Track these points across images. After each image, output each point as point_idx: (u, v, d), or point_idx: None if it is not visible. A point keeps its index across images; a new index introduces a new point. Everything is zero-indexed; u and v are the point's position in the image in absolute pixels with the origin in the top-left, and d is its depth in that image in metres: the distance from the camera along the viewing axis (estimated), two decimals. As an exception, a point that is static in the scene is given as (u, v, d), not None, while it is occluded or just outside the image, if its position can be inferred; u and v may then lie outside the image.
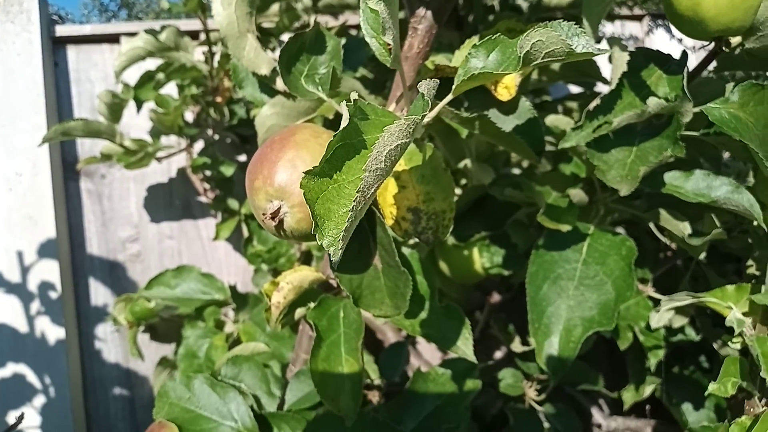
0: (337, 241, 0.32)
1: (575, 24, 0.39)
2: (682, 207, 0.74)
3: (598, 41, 1.31)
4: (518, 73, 0.50)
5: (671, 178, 0.71)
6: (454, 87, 0.41)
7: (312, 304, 0.62)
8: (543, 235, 0.67)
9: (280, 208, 0.46)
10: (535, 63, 0.39)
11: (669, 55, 0.69)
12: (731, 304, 0.79)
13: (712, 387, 0.81)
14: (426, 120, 0.42)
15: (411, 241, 0.68)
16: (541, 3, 1.18)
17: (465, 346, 0.57)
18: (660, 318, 0.83)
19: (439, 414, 0.66)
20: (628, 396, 1.05)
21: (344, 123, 0.35)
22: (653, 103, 0.58)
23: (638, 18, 1.95)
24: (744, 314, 0.79)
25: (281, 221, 0.47)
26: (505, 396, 0.83)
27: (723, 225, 0.77)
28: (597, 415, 1.05)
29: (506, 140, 0.53)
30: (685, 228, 0.72)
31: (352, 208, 0.31)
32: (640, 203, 0.79)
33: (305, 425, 0.62)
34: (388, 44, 0.40)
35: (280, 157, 0.47)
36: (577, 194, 0.67)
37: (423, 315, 0.59)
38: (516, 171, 1.05)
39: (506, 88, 0.51)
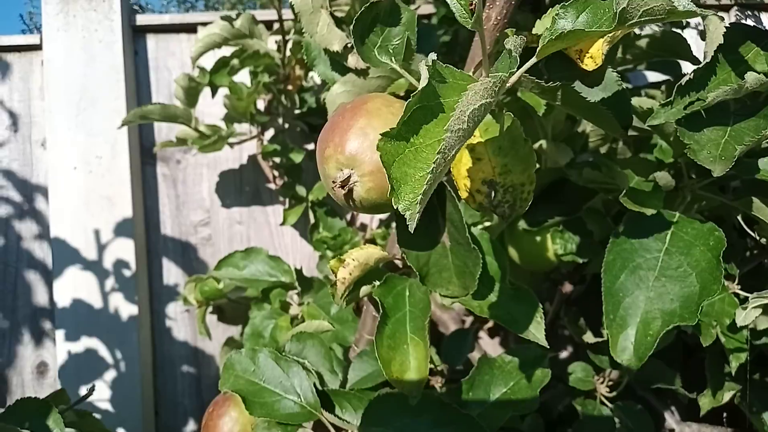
0: (414, 205, 0.31)
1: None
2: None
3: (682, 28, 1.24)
4: (606, 41, 0.47)
5: (766, 164, 0.66)
6: (539, 49, 0.39)
7: (377, 283, 0.61)
8: (623, 222, 0.63)
9: (350, 177, 0.46)
10: (632, 22, 0.36)
11: (767, 30, 0.64)
12: (828, 306, 0.73)
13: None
14: (512, 81, 0.40)
15: (485, 219, 0.66)
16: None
17: (537, 331, 0.55)
18: (747, 316, 0.78)
19: (505, 402, 0.64)
20: (705, 401, 0.99)
21: (422, 84, 0.33)
22: (752, 79, 0.54)
23: (726, 8, 1.84)
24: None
25: (351, 190, 0.46)
26: (574, 391, 0.79)
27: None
28: (670, 419, 1.00)
29: (591, 112, 0.50)
30: (780, 219, 0.66)
31: (432, 170, 0.30)
32: (731, 191, 0.74)
33: (367, 404, 0.61)
34: (471, 2, 0.39)
35: (351, 125, 0.46)
36: (663, 177, 0.63)
37: (492, 297, 0.57)
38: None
39: (591, 57, 0.48)
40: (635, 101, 0.75)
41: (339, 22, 1.37)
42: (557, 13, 0.39)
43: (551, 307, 0.87)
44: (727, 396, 1.00)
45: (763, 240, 0.81)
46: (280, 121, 1.50)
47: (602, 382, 0.78)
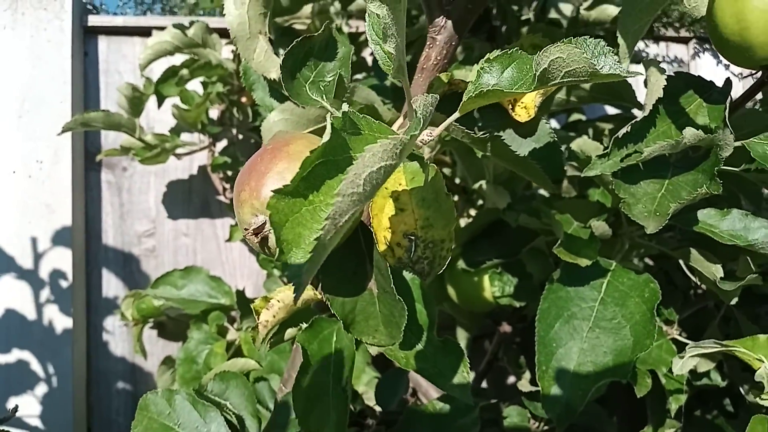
0: (302, 273, 0.28)
1: (604, 42, 0.35)
2: (715, 246, 0.68)
3: (638, 62, 1.25)
4: (539, 94, 0.45)
5: (705, 216, 0.65)
6: (461, 104, 0.37)
7: (303, 325, 0.58)
8: (560, 268, 0.62)
9: (264, 224, 0.43)
10: (553, 82, 0.34)
11: (711, 81, 0.64)
12: (762, 357, 0.73)
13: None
14: (427, 139, 0.38)
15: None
16: (579, 17, 1.13)
17: (461, 386, 0.53)
18: (684, 365, 0.77)
19: (433, 452, 0.62)
20: (647, 437, 0.99)
21: (327, 137, 0.31)
22: (690, 134, 0.53)
23: (684, 41, 1.88)
24: (777, 368, 0.73)
25: (265, 238, 0.43)
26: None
27: (759, 268, 0.71)
28: (610, 459, 0.99)
29: (520, 165, 0.48)
30: (717, 271, 0.66)
31: (319, 237, 0.27)
32: (669, 239, 0.73)
33: (287, 454, 0.58)
34: (391, 53, 0.36)
35: (269, 169, 0.43)
36: (600, 227, 0.62)
37: (419, 347, 0.55)
38: (543, 192, 1.00)
39: (525, 108, 0.46)
40: (579, 143, 0.74)
41: (297, 35, 1.34)
42: (482, 66, 0.37)
43: (491, 346, 0.85)
44: (667, 433, 1.00)
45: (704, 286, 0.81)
46: (234, 131, 1.46)
47: (538, 427, 0.77)
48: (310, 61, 0.52)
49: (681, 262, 0.83)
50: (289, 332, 0.60)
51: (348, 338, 0.56)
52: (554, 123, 1.41)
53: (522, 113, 0.46)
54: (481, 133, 0.44)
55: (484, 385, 1.34)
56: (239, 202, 0.45)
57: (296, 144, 0.45)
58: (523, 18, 1.16)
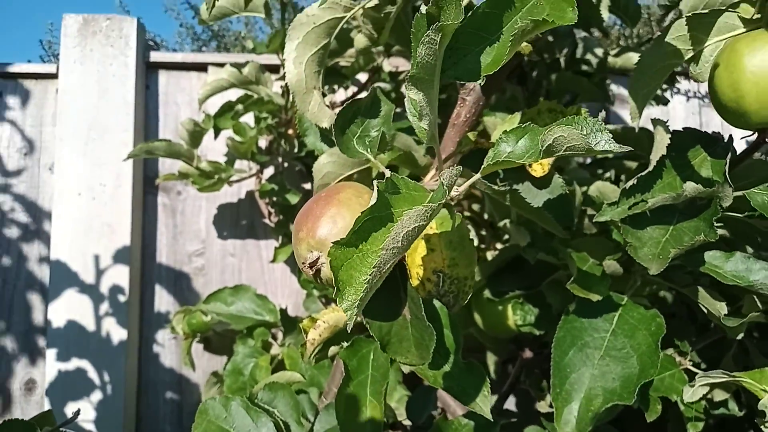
0: (354, 306, 0.37)
1: (601, 122, 0.43)
2: (724, 285, 0.74)
3: (665, 103, 1.31)
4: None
5: (711, 257, 0.71)
6: (482, 168, 0.45)
7: (345, 344, 0.66)
8: (575, 301, 0.69)
9: (318, 259, 0.51)
10: (557, 154, 0.42)
11: (717, 136, 0.70)
12: (767, 387, 0.78)
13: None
14: (455, 194, 0.46)
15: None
16: (606, 63, 1.20)
17: (483, 404, 0.60)
18: (694, 393, 0.83)
19: (456, 463, 0.69)
20: (667, 467, 1.03)
21: (373, 200, 0.39)
22: (690, 188, 0.60)
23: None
24: (783, 400, 0.78)
25: (318, 270, 0.52)
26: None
27: (765, 306, 0.76)
28: (629, 483, 1.03)
29: (534, 214, 0.56)
30: (721, 308, 0.72)
31: (368, 280, 0.35)
32: (683, 276, 0.79)
33: (327, 458, 0.66)
34: (424, 129, 0.45)
35: (323, 213, 0.52)
36: (612, 265, 0.69)
37: (446, 368, 0.62)
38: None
39: (540, 165, 0.54)
40: (597, 187, 0.81)
41: (341, 75, 1.44)
42: (501, 136, 0.45)
43: (513, 370, 0.92)
44: (686, 462, 1.04)
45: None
46: (280, 160, 1.57)
47: (555, 446, 0.83)
48: (358, 119, 0.61)
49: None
50: (332, 350, 0.68)
51: (384, 357, 0.64)
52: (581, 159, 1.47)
53: (538, 169, 0.54)
54: (502, 185, 0.52)
55: (508, 406, 1.40)
56: (297, 240, 0.54)
57: (345, 192, 0.54)
58: (554, 58, 1.24)
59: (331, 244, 0.38)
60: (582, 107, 0.59)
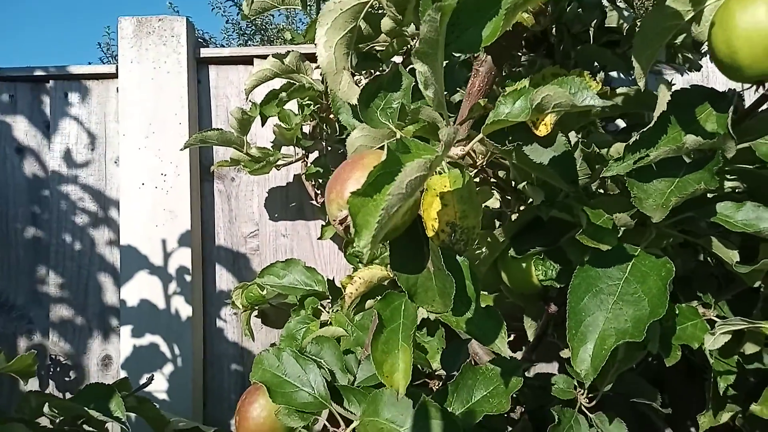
0: (368, 243, 0.44)
1: (587, 81, 0.48)
2: (735, 235, 0.77)
3: (698, 68, 1.32)
4: (554, 114, 0.59)
5: (722, 207, 0.75)
6: (483, 127, 0.52)
7: (379, 297, 0.74)
8: (590, 253, 0.74)
9: (347, 216, 0.59)
10: (547, 111, 0.48)
11: (725, 93, 0.74)
12: (787, 332, 0.82)
13: (753, 408, 0.84)
14: (460, 153, 0.53)
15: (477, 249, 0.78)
16: (634, 32, 1.22)
17: (501, 344, 0.67)
18: (716, 341, 0.87)
19: (484, 402, 0.76)
20: (705, 420, 1.07)
21: (384, 156, 0.47)
22: (690, 140, 0.64)
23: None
24: (803, 344, 0.82)
25: (347, 226, 0.59)
26: (555, 401, 0.90)
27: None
28: (666, 435, 1.08)
29: (539, 170, 0.62)
30: (734, 256, 0.76)
31: (378, 221, 0.43)
32: (699, 229, 0.83)
33: (368, 398, 0.74)
34: (430, 96, 0.52)
35: (350, 176, 0.60)
36: (622, 218, 0.73)
37: (468, 314, 0.69)
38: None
39: (545, 124, 0.60)
40: (616, 148, 0.85)
41: (377, 59, 1.52)
42: (500, 100, 0.51)
43: (539, 324, 0.97)
44: (726, 416, 1.07)
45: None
46: (323, 144, 1.66)
47: (583, 394, 0.88)
48: (381, 93, 0.69)
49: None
50: (368, 303, 0.76)
51: (413, 307, 0.72)
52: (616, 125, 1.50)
53: (542, 129, 0.60)
54: (510, 144, 0.59)
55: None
56: (329, 201, 0.62)
57: (369, 158, 0.61)
58: (585, 31, 1.27)
59: (349, 195, 0.46)
60: (584, 71, 0.64)
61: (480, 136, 0.53)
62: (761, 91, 0.74)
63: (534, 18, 0.63)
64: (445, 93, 1.18)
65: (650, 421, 1.20)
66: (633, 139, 0.66)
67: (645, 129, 0.67)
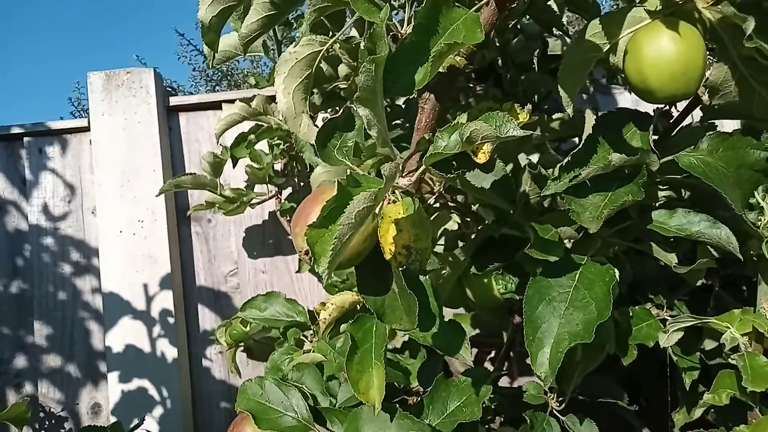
0: (326, 269, 0.50)
1: (509, 116, 0.56)
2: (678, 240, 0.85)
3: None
4: (491, 144, 0.66)
5: (657, 215, 0.83)
6: (424, 159, 0.59)
7: (351, 321, 0.80)
8: (541, 265, 0.81)
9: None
10: (476, 143, 0.55)
11: (647, 113, 0.82)
12: (728, 325, 0.89)
13: (707, 397, 0.90)
14: (407, 182, 0.59)
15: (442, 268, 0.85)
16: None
17: (465, 354, 0.73)
18: (669, 338, 0.93)
19: (458, 412, 0.81)
20: (680, 418, 1.12)
21: (336, 191, 0.53)
22: (616, 158, 0.72)
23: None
24: (744, 334, 0.89)
25: (312, 255, 0.65)
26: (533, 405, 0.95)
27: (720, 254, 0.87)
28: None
29: (481, 193, 0.69)
30: (672, 258, 0.83)
31: (332, 248, 0.49)
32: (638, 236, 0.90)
33: (348, 416, 0.79)
34: (374, 135, 0.58)
35: (311, 210, 0.66)
36: (566, 231, 0.80)
37: (434, 329, 0.75)
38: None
39: (483, 153, 0.67)
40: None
41: (340, 98, 1.59)
42: (437, 134, 0.58)
43: (507, 335, 1.04)
44: (698, 412, 1.13)
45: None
46: (295, 180, 1.72)
47: (553, 398, 0.94)
48: (337, 133, 0.75)
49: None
50: (343, 327, 0.82)
51: (383, 327, 0.77)
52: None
53: (481, 156, 0.67)
54: (454, 172, 0.65)
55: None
56: (294, 235, 0.68)
57: (327, 194, 0.67)
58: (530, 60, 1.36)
59: (306, 227, 0.52)
60: (515, 104, 0.72)
61: (422, 167, 0.60)
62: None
63: (472, 56, 0.70)
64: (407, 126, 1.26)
65: (630, 424, 1.25)
66: (566, 160, 0.74)
67: (575, 150, 0.75)
